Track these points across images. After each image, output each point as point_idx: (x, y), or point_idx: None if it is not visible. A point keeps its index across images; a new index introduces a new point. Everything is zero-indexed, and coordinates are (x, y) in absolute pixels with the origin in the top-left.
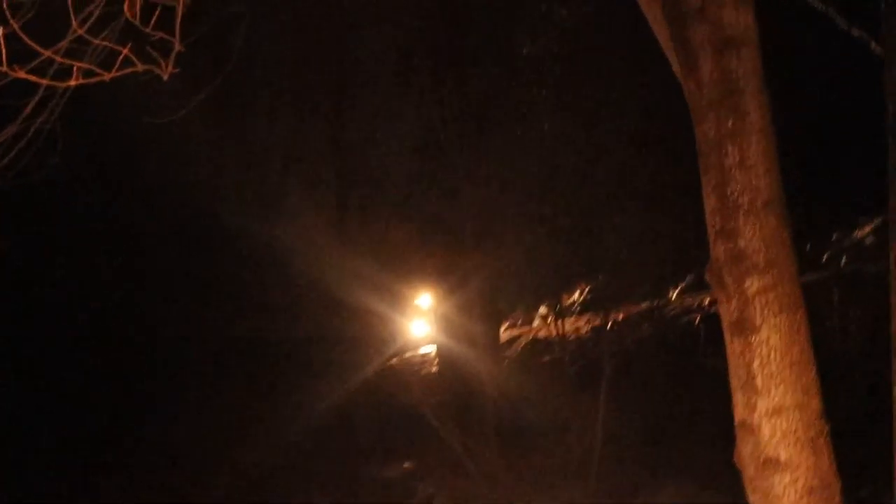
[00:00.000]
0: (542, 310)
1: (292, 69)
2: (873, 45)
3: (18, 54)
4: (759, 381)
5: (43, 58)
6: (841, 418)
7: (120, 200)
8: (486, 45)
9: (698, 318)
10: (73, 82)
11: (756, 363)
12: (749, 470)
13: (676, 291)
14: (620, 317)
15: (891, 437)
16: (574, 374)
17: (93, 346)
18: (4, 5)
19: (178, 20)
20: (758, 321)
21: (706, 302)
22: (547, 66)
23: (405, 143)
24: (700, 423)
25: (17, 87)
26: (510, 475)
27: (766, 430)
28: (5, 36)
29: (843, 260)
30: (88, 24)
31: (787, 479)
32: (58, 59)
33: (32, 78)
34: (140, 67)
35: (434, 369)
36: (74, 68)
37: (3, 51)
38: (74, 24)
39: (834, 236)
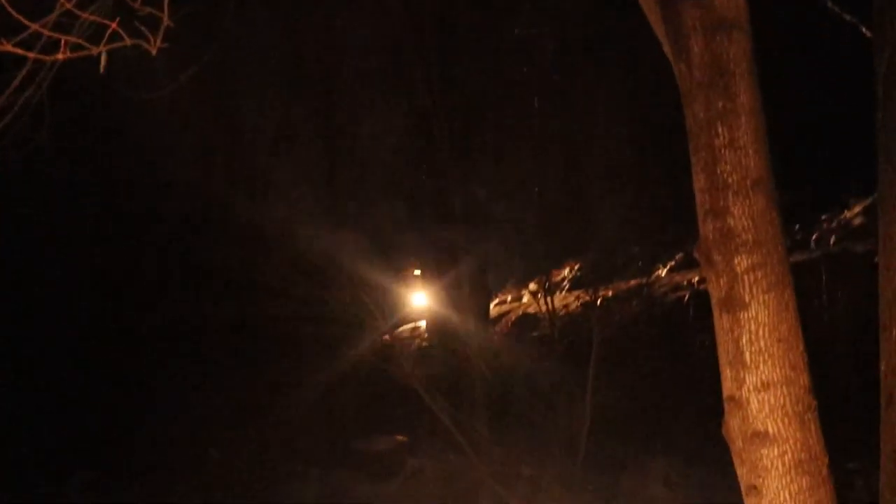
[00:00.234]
0: (532, 286)
1: (283, 47)
2: (864, 28)
3: (5, 27)
4: (747, 357)
5: (30, 31)
6: (829, 393)
7: (107, 179)
8: (478, 27)
9: (687, 295)
10: (60, 56)
11: (744, 339)
12: (737, 443)
13: (665, 269)
14: (610, 293)
15: (877, 412)
16: (563, 350)
17: (79, 326)
18: None
19: None
20: (746, 298)
21: (695, 279)
22: (538, 48)
23: (395, 122)
24: (688, 398)
25: (5, 60)
26: (500, 449)
27: (754, 405)
28: None
29: (832, 240)
30: None
31: (774, 452)
32: (45, 32)
33: (20, 52)
34: (128, 42)
35: (425, 344)
36: (62, 42)
37: None
38: None
39: (823, 216)
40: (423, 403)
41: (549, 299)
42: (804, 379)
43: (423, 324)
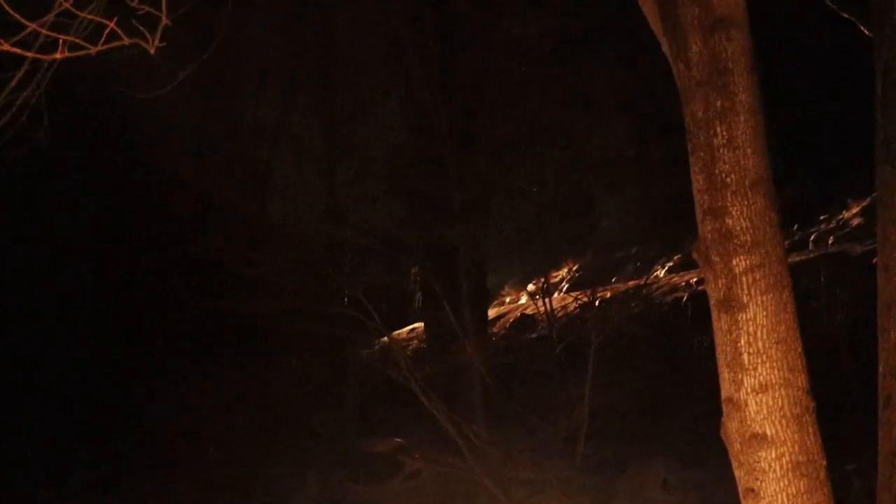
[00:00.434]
0: (531, 286)
1: (281, 43)
2: (863, 26)
3: (4, 27)
4: (745, 358)
5: (28, 30)
6: (827, 395)
7: (106, 175)
8: (479, 23)
9: (685, 296)
10: (58, 55)
11: (743, 340)
12: (735, 445)
13: (664, 269)
14: (608, 294)
15: (875, 413)
16: (561, 351)
17: (77, 325)
18: None
19: None
20: (745, 299)
21: (693, 280)
22: (538, 44)
23: (395, 120)
24: (686, 399)
25: (3, 60)
26: (497, 451)
27: (752, 407)
28: None
29: (830, 240)
30: None
31: (772, 454)
32: (43, 31)
33: (17, 51)
34: (126, 41)
35: (423, 345)
36: (60, 41)
37: None
38: None
39: (821, 217)
40: (421, 405)
41: (547, 300)
42: (802, 380)
43: (421, 324)
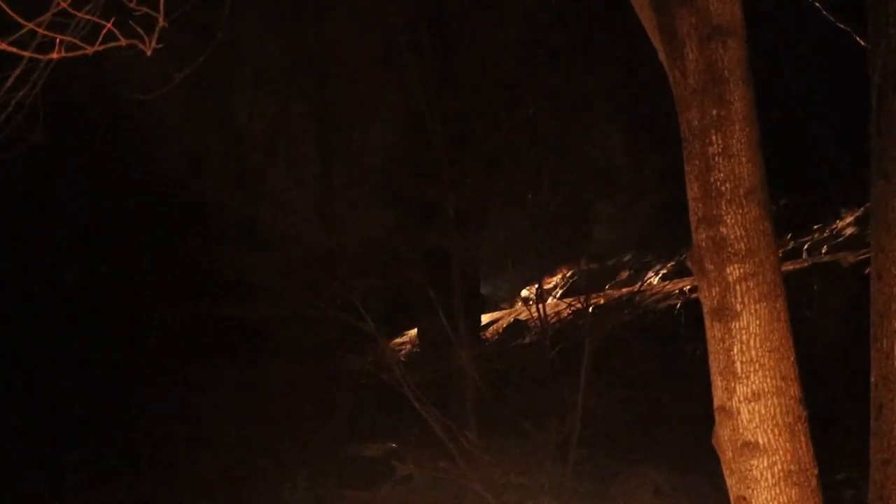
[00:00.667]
0: (524, 292)
1: (277, 47)
2: (858, 37)
3: (1, 26)
4: (738, 367)
5: (25, 30)
6: (818, 404)
7: (100, 178)
8: (473, 28)
9: (679, 303)
10: (55, 55)
11: (736, 349)
12: (727, 453)
13: (658, 277)
14: (602, 301)
15: (867, 423)
16: (554, 357)
17: (69, 326)
18: None
19: None
20: (738, 308)
21: (687, 288)
22: (534, 52)
23: (390, 126)
24: (679, 407)
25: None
26: (489, 457)
27: (744, 415)
28: None
29: (824, 249)
30: None
31: (764, 462)
32: (40, 31)
33: (14, 50)
34: (123, 42)
35: (416, 350)
36: (57, 42)
37: None
38: None
39: (815, 226)
40: (414, 410)
41: (540, 306)
42: (795, 389)
43: (414, 329)
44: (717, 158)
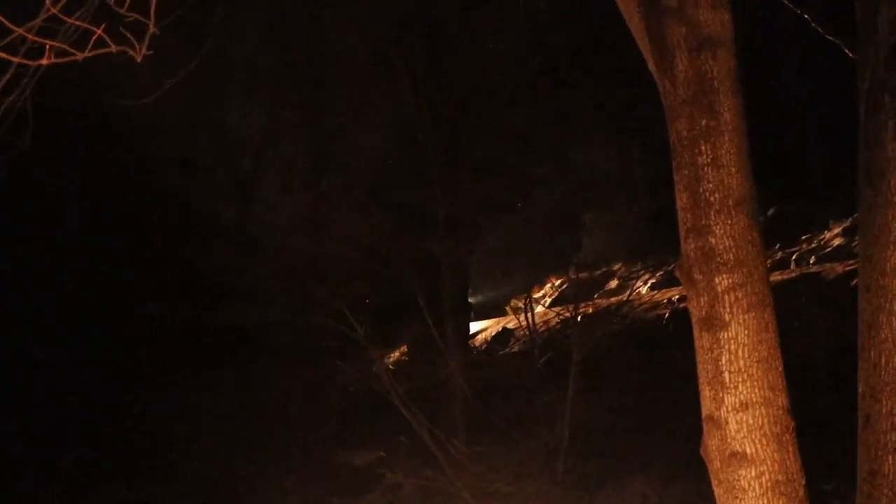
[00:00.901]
0: (513, 301)
1: (269, 54)
2: (847, 49)
3: None
4: (726, 377)
5: (14, 35)
6: (806, 415)
7: (91, 184)
8: (465, 38)
9: (667, 313)
10: (45, 61)
11: (724, 359)
12: (715, 463)
13: (647, 286)
14: (590, 310)
15: (854, 433)
16: (543, 366)
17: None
18: None
19: (154, 1)
20: (726, 318)
21: (675, 297)
22: (525, 61)
23: (380, 131)
24: (667, 416)
25: None
26: (477, 465)
27: (732, 425)
28: None
29: (812, 260)
30: (62, 2)
31: (752, 472)
32: (30, 37)
33: (3, 56)
34: (114, 48)
35: (405, 357)
36: (47, 47)
37: None
38: (48, 1)
39: (803, 237)
40: (402, 418)
41: (529, 315)
42: (783, 400)
43: (403, 337)
44: (706, 169)
